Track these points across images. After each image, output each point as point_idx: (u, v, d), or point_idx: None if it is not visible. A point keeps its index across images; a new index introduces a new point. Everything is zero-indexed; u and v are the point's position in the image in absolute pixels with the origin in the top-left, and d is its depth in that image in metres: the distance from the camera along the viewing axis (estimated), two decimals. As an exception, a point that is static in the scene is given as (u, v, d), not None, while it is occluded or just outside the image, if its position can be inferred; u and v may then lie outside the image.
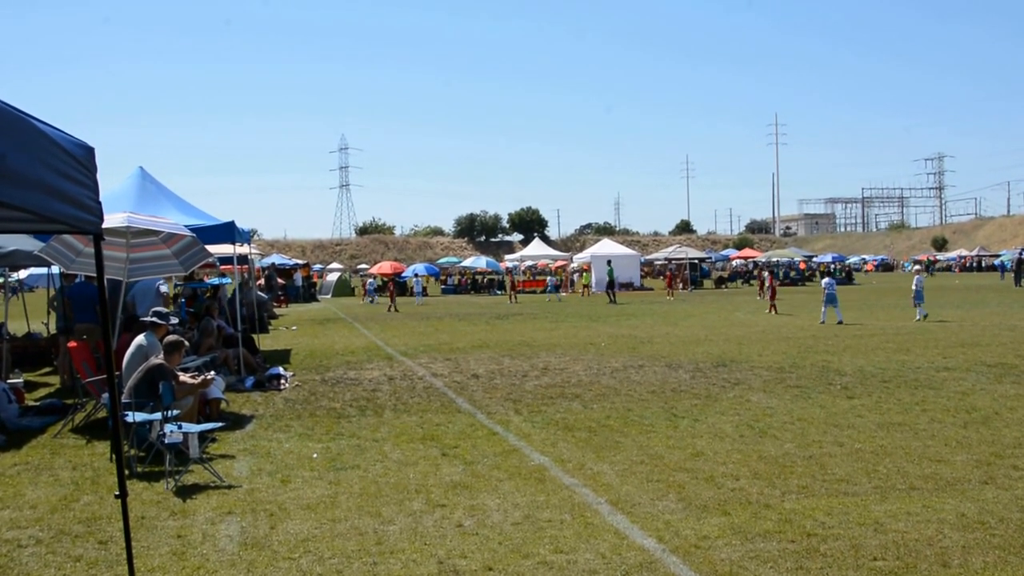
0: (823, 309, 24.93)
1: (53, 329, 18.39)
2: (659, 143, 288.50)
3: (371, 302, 44.54)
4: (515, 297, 43.38)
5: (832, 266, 68.14)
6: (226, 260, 21.29)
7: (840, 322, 23.74)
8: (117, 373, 9.90)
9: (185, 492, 7.44)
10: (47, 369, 16.86)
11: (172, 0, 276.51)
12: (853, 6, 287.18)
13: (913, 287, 25.29)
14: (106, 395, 9.73)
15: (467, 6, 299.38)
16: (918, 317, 24.39)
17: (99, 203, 4.36)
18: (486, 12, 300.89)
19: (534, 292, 52.77)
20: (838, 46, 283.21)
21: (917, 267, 36.64)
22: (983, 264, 68.97)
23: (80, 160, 4.12)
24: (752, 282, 64.21)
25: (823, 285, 25.48)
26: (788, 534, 5.97)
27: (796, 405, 11.06)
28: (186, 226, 13.00)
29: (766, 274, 36.68)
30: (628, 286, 52.13)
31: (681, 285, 50.44)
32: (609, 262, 46.00)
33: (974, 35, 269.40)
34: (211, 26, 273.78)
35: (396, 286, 47.50)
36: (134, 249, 12.74)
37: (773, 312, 28.97)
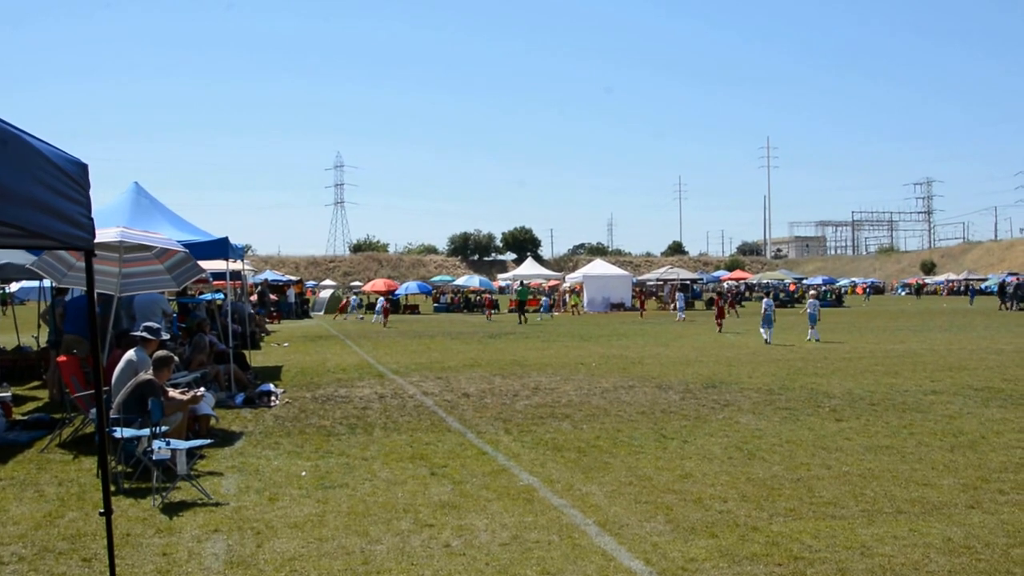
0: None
1: (44, 343, 18.34)
2: (652, 164, 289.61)
3: (359, 319, 44.97)
4: (491, 315, 45.62)
5: (822, 288, 68.25)
6: (219, 276, 21.28)
7: (767, 342, 24.64)
8: (106, 388, 9.88)
9: (172, 509, 7.41)
10: (36, 383, 16.79)
11: (168, 15, 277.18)
12: (845, 31, 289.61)
13: (808, 310, 26.81)
14: (94, 410, 9.70)
15: (464, 26, 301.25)
16: (808, 338, 25.87)
17: (91, 219, 4.38)
18: (482, 32, 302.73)
19: (534, 311, 52.76)
20: (830, 70, 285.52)
21: (812, 292, 37.58)
22: (971, 288, 69.42)
23: (73, 176, 4.14)
24: (744, 303, 64.45)
25: (764, 306, 26.13)
26: (775, 557, 5.97)
27: (785, 427, 11.08)
28: (180, 242, 13.00)
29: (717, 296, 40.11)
30: (620, 306, 52.18)
31: (671, 306, 50.70)
32: (522, 282, 47.96)
33: (962, 60, 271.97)
34: (207, 41, 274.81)
35: (390, 303, 49.11)
36: (127, 264, 12.74)
37: (719, 331, 30.81)
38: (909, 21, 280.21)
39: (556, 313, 50.41)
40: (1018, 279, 60.86)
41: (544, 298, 55.17)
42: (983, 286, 79.43)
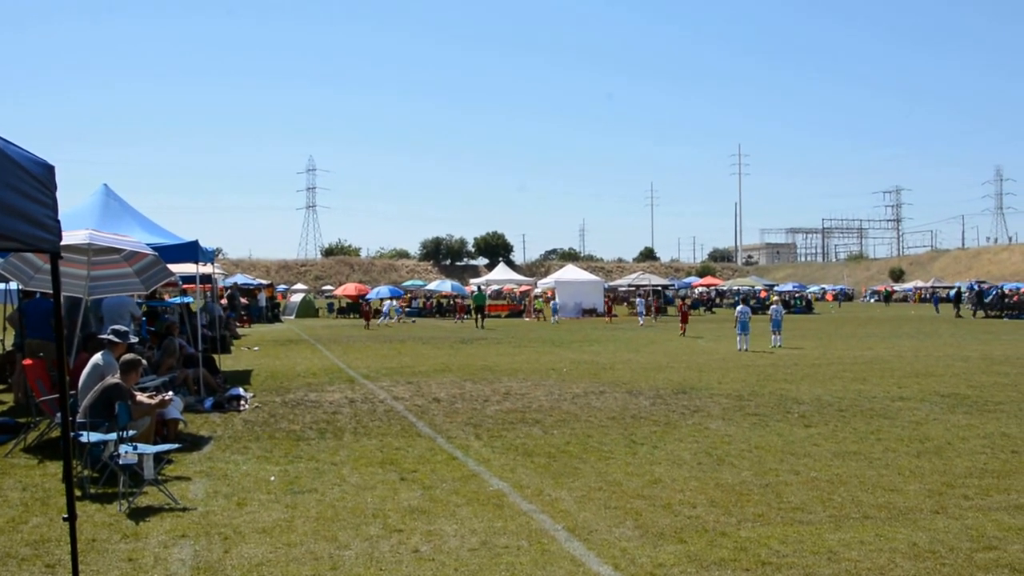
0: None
1: (9, 346, 18.10)
2: (625, 171, 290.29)
3: (388, 324, 45.60)
4: (463, 319, 46.72)
5: (793, 294, 68.82)
6: (189, 279, 21.12)
7: (745, 349, 24.74)
8: (73, 392, 9.77)
9: (138, 514, 7.34)
10: (1, 387, 16.57)
11: (138, 16, 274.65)
12: (818, 37, 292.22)
13: (772, 317, 27.38)
14: (60, 414, 9.59)
15: (436, 31, 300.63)
16: (773, 345, 26.19)
17: (58, 222, 4.34)
18: (454, 37, 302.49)
19: (498, 316, 52.83)
20: (801, 77, 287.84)
21: (775, 298, 38.36)
22: (935, 296, 70.28)
23: (39, 178, 4.10)
24: (715, 310, 64.88)
25: (737, 313, 26.37)
26: (743, 562, 6.01)
27: (754, 433, 11.15)
28: (149, 244, 12.90)
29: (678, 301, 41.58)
30: (591, 312, 52.34)
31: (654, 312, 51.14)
32: (479, 287, 48.90)
33: (933, 68, 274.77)
34: (176, 44, 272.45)
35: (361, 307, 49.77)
36: (95, 267, 12.63)
37: (682, 333, 32.45)
38: (882, 28, 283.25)
39: (528, 319, 50.51)
40: (984, 287, 61.67)
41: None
42: (949, 294, 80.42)
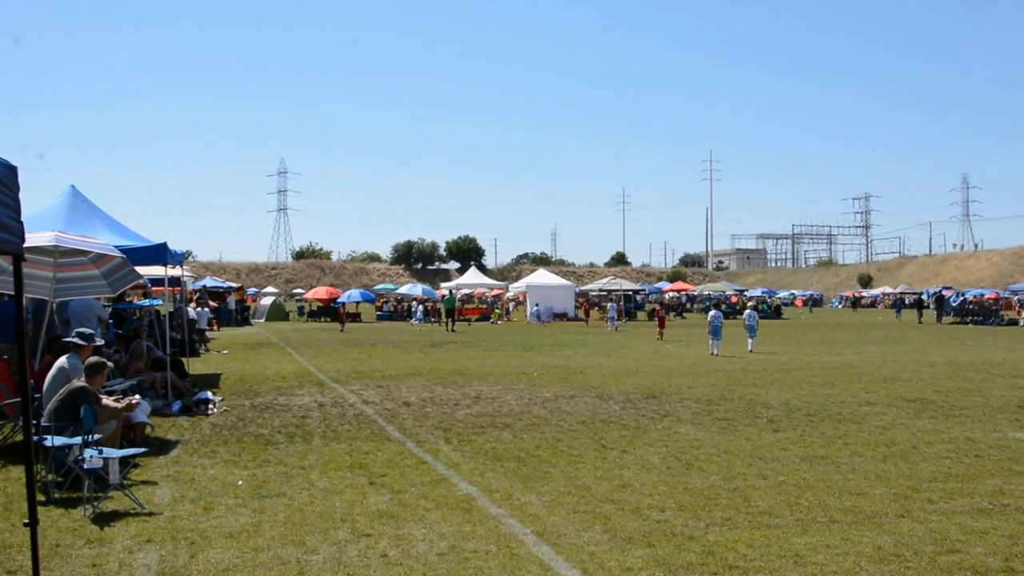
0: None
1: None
2: (596, 176, 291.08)
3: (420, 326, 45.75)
4: (436, 322, 47.36)
5: (762, 299, 69.27)
6: (158, 282, 20.93)
7: (716, 354, 24.92)
8: (38, 396, 9.65)
9: (103, 519, 7.25)
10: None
11: (105, 18, 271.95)
12: (789, 45, 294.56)
13: (746, 322, 27.67)
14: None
15: (405, 37, 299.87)
16: (750, 348, 26.53)
17: (20, 223, 4.29)
18: (424, 44, 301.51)
19: (468, 320, 52.82)
20: (772, 84, 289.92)
21: (750, 303, 38.90)
22: (906, 301, 71.04)
23: (1, 179, 4.05)
24: (685, 315, 65.22)
25: (709, 318, 26.52)
26: (710, 566, 6.04)
27: (723, 437, 11.21)
28: (117, 247, 12.75)
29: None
30: (563, 316, 52.47)
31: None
32: (451, 291, 50.58)
33: (899, 77, 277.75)
34: (149, 47, 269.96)
35: (332, 311, 52.06)
36: (62, 268, 12.49)
37: (660, 338, 32.80)
38: (853, 36, 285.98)
39: (499, 322, 50.58)
40: (947, 293, 62.51)
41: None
42: (906, 300, 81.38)
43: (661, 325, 35.26)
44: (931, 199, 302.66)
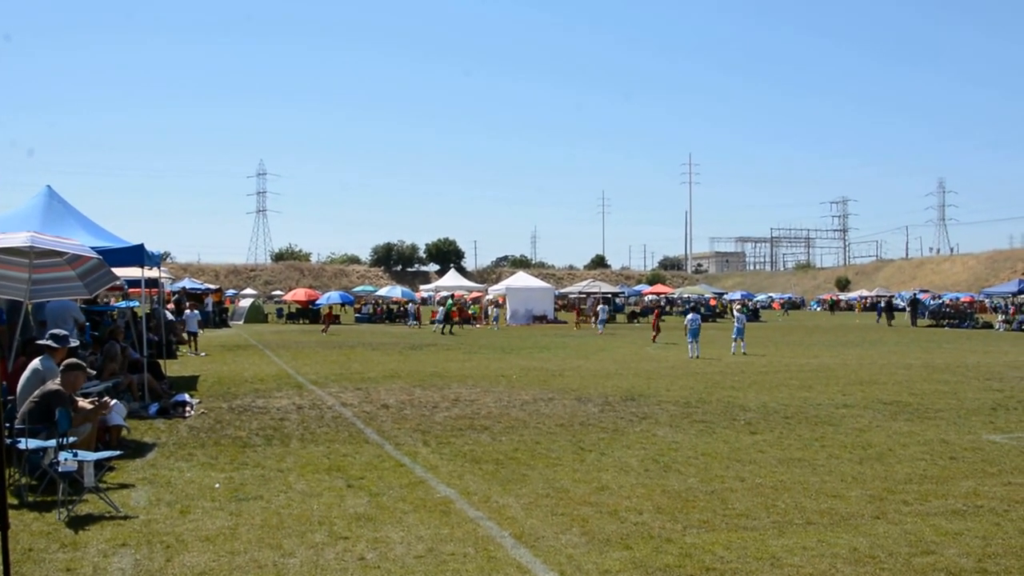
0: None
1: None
2: (576, 178, 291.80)
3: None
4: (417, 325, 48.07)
5: (741, 303, 69.52)
6: (135, 283, 20.78)
7: (696, 356, 25.04)
8: (11, 398, 9.57)
9: (78, 523, 7.19)
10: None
11: (84, 21, 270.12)
12: (768, 49, 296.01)
13: (736, 324, 27.93)
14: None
15: (386, 41, 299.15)
16: (734, 350, 26.96)
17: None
18: (405, 47, 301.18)
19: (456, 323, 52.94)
20: (751, 87, 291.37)
21: (738, 307, 39.17)
22: (882, 304, 71.75)
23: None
24: (664, 318, 65.38)
25: (686, 321, 26.70)
26: (687, 568, 6.06)
27: (701, 440, 11.26)
28: (93, 248, 12.64)
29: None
30: (542, 319, 52.52)
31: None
32: (451, 295, 49.92)
33: (877, 81, 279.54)
34: (124, 47, 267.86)
35: (311, 313, 53.04)
36: (37, 269, 12.35)
37: (654, 340, 32.99)
38: (832, 40, 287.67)
39: (479, 325, 50.57)
40: (927, 296, 63.07)
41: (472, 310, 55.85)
42: (879, 304, 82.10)
43: (656, 329, 34.49)
44: (908, 203, 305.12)
